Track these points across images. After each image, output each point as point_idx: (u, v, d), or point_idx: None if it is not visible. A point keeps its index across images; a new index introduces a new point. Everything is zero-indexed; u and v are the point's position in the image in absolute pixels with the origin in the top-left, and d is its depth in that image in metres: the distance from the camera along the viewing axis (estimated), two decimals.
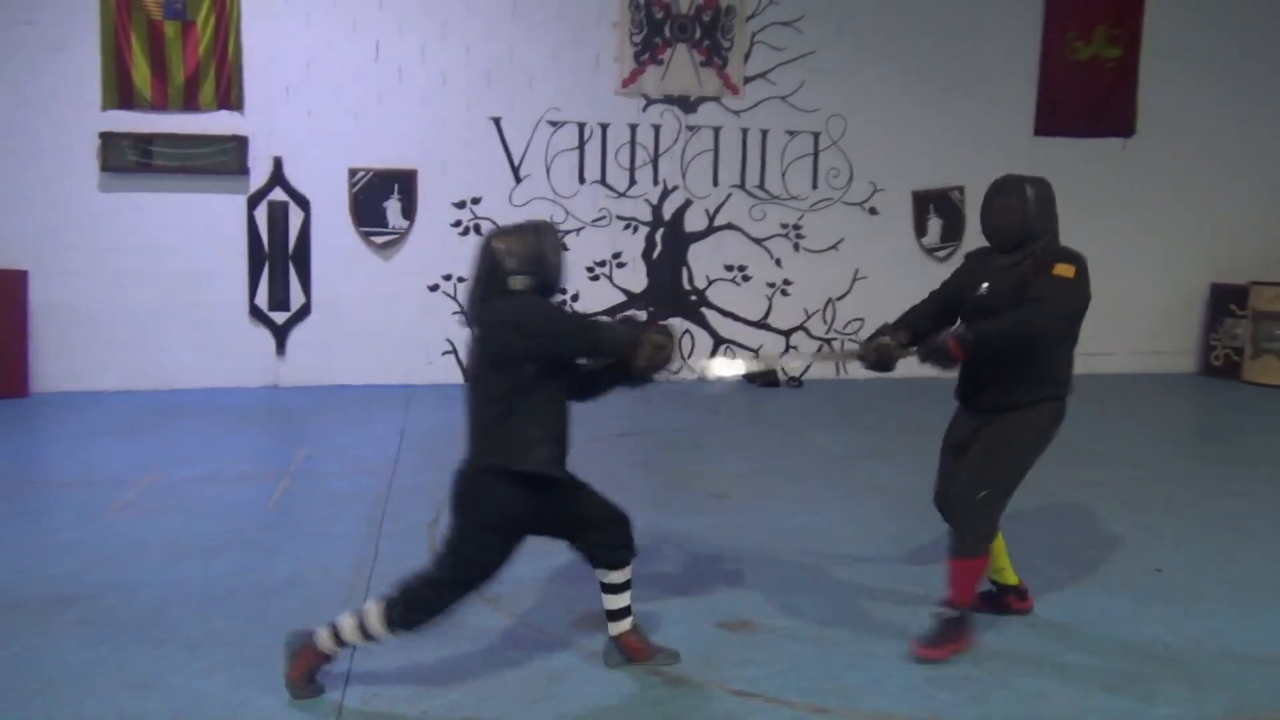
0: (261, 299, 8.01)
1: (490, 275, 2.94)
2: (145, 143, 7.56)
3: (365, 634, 2.91)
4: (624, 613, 3.16)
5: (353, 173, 8.00)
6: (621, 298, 8.61)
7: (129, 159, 7.56)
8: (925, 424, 7.13)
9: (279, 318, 8.07)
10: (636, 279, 8.65)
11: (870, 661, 3.27)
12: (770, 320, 8.91)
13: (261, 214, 7.89)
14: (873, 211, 8.90)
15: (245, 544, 4.37)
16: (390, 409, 7.30)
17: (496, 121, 8.19)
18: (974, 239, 9.10)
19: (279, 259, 7.97)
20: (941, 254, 9.12)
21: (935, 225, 9.05)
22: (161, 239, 7.73)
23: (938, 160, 8.94)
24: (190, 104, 7.59)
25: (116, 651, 3.27)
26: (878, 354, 3.42)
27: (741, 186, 8.70)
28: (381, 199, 8.07)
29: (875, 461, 6.03)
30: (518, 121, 8.23)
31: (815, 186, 8.84)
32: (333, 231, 8.05)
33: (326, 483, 5.47)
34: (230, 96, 7.66)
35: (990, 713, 2.97)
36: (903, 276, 8.92)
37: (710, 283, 8.76)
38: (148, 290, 7.76)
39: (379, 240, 8.15)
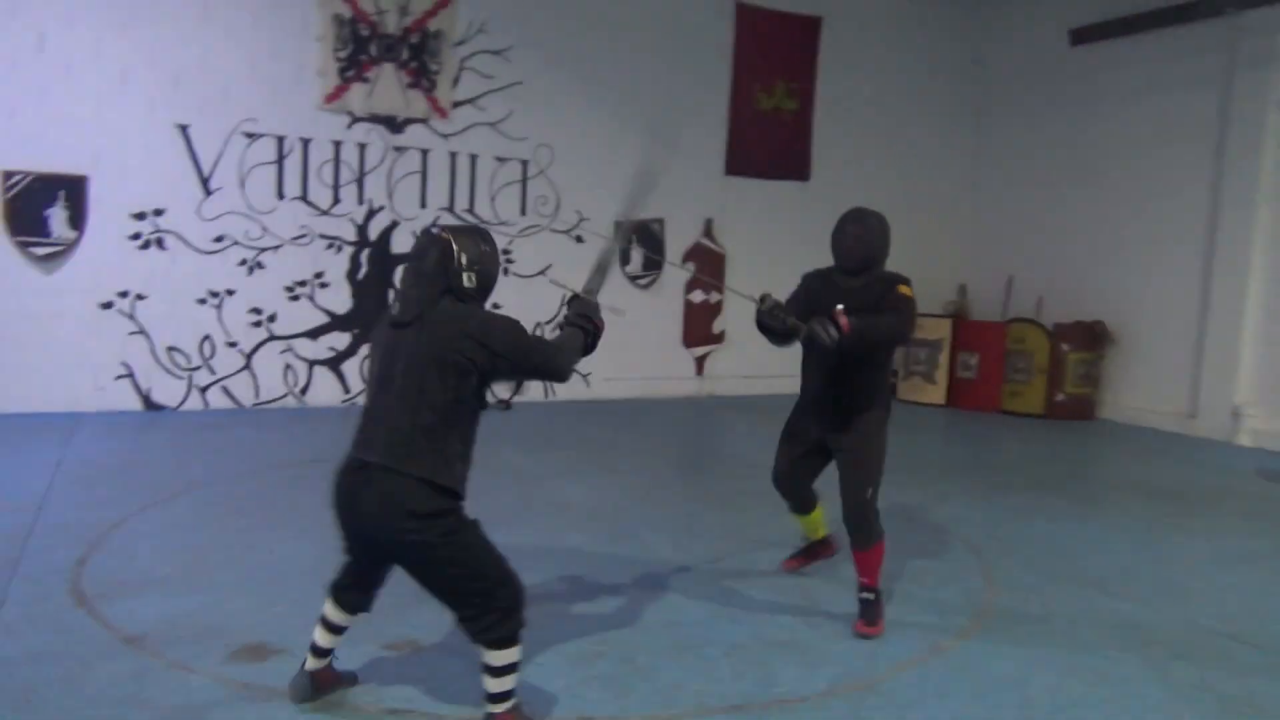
0: None
1: (443, 271, 2.85)
2: None
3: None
4: (502, 697, 2.88)
5: (7, 175, 7.16)
6: (324, 318, 8.32)
7: None
8: (616, 442, 7.57)
9: None
10: (340, 300, 8.40)
11: (527, 668, 3.39)
12: None
13: None
14: (579, 240, 9.24)
15: None
16: (47, 439, 6.57)
17: (184, 129, 7.67)
18: (671, 269, 9.79)
19: None
20: (644, 281, 9.64)
21: (637, 255, 9.55)
22: None
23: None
24: None
25: None
26: (772, 306, 3.70)
27: (450, 209, 8.72)
28: (43, 206, 7.29)
29: (565, 480, 6.23)
30: (209, 131, 7.75)
31: (524, 213, 9.04)
32: None
33: None
34: None
35: (629, 706, 3.19)
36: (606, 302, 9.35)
37: None
38: None
39: (39, 251, 7.34)
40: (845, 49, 10.16)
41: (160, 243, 7.71)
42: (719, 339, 10.10)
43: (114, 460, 6.16)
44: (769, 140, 9.91)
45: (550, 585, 4.24)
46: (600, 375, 9.33)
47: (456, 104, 8.61)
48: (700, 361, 10.07)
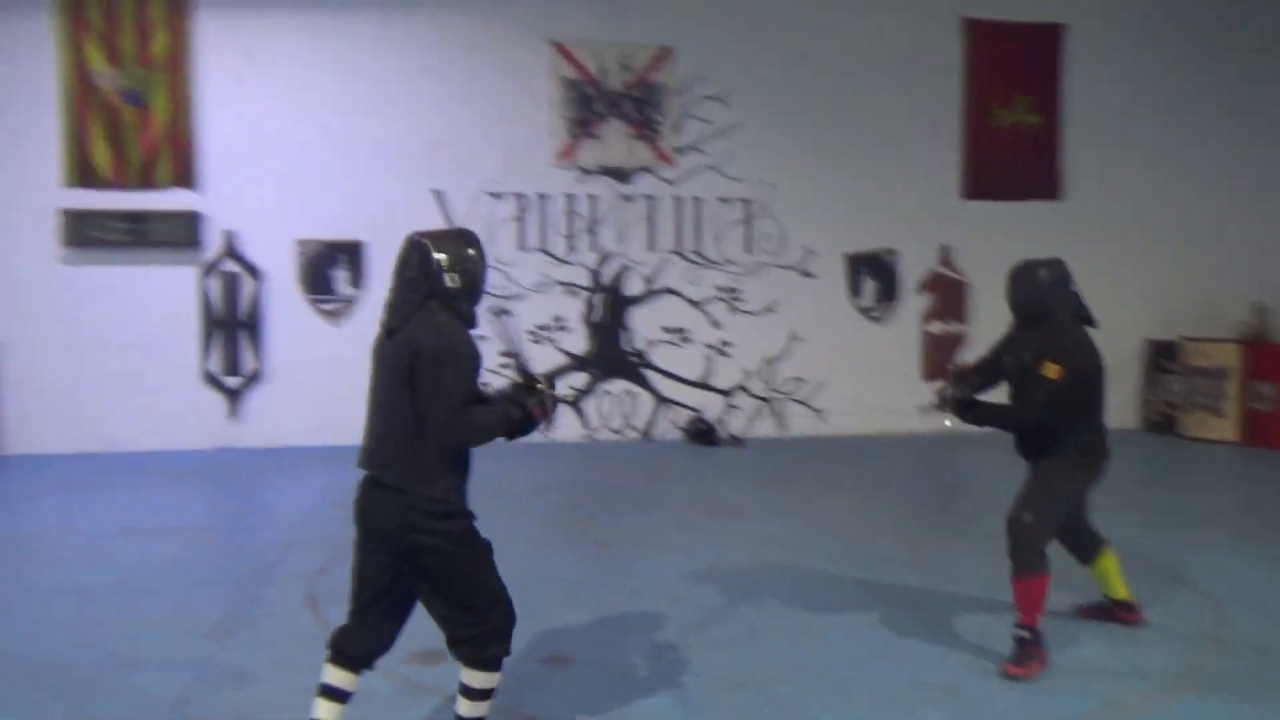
0: (214, 364, 8.41)
1: (424, 275, 2.85)
2: (105, 219, 8.06)
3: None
4: None
5: (301, 243, 8.45)
6: (565, 359, 8.94)
7: (90, 235, 8.05)
8: (838, 479, 7.42)
9: (232, 382, 8.46)
10: (578, 342, 8.98)
11: (649, 689, 3.48)
12: (710, 380, 9.19)
13: (214, 284, 8.35)
14: (807, 274, 9.22)
15: (124, 590, 4.65)
16: (329, 468, 7.60)
17: (439, 193, 8.65)
18: (907, 300, 9.47)
19: (231, 327, 8.40)
20: (876, 314, 9.40)
21: (869, 287, 9.35)
22: (117, 309, 8.18)
23: (868, 224, 9.29)
24: (147, 182, 8.11)
25: None
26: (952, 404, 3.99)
27: (678, 252, 9.07)
28: (329, 268, 8.51)
29: (771, 518, 6.22)
30: (459, 193, 8.68)
31: (749, 251, 9.18)
32: (283, 300, 8.48)
33: (237, 535, 5.76)
34: (184, 174, 8.18)
35: None
36: (838, 336, 9.24)
37: (650, 344, 9.08)
38: (104, 358, 8.18)
39: (327, 307, 8.56)
40: (1091, 56, 9.39)
41: None
42: None
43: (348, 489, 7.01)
44: (1010, 159, 9.35)
45: (704, 614, 4.29)
46: (835, 410, 9.22)
47: (679, 150, 8.98)
48: None
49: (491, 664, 2.81)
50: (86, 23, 7.94)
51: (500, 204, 8.76)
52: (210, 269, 8.36)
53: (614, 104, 8.81)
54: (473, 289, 2.91)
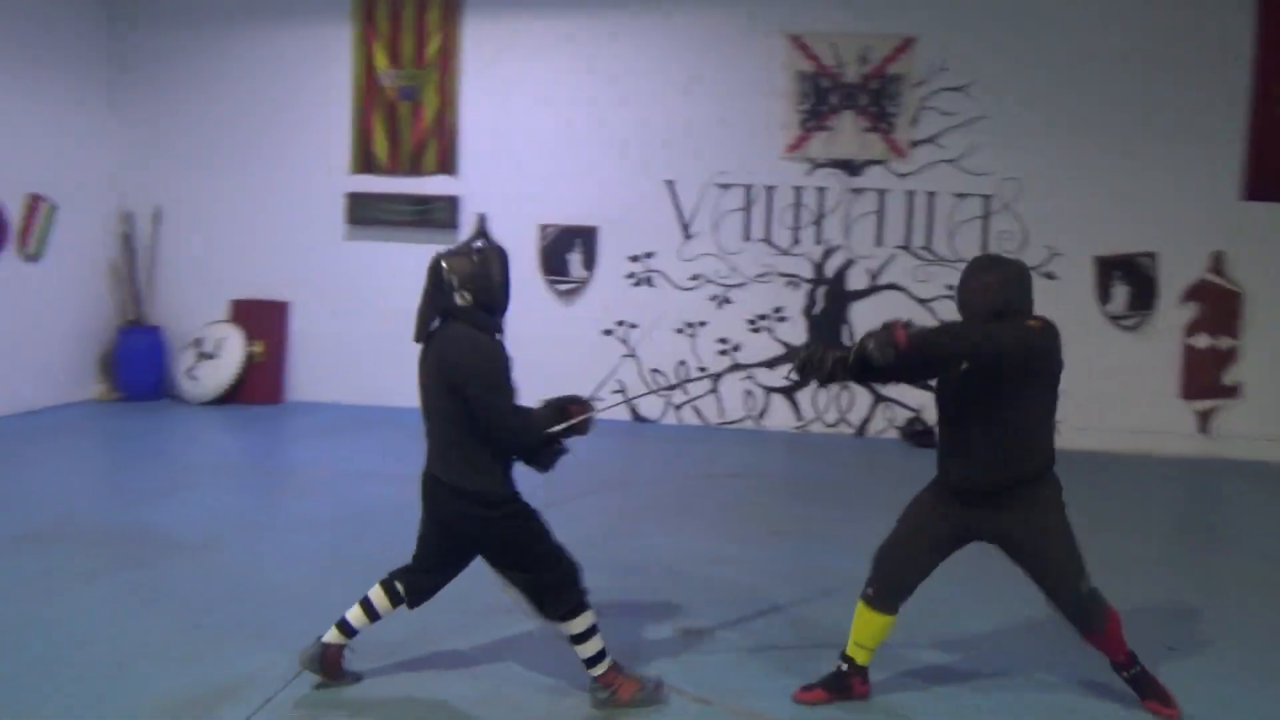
0: None
1: (438, 293, 3.29)
2: (380, 201, 9.15)
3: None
4: (595, 660, 3.28)
5: (543, 228, 9.12)
6: (782, 350, 9.00)
7: (368, 214, 9.19)
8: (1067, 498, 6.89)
9: None
10: (797, 333, 9.00)
11: (774, 670, 3.55)
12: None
13: None
14: (1050, 276, 8.63)
15: (346, 525, 5.37)
16: None
17: (670, 184, 8.99)
18: (1166, 309, 8.60)
19: None
20: (1128, 323, 8.63)
21: (1121, 292, 8.60)
22: (387, 280, 9.25)
23: (1125, 225, 8.53)
24: (416, 169, 9.11)
25: (234, 589, 4.32)
26: (805, 355, 3.34)
27: (906, 248, 8.83)
28: (565, 251, 9.12)
29: None
30: (689, 184, 8.97)
31: (986, 249, 8.74)
32: (523, 278, 9.17)
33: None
34: (447, 163, 9.09)
35: None
36: (1083, 343, 8.54)
37: None
38: (374, 321, 9.30)
39: (562, 287, 9.18)
40: None
41: (649, 281, 9.10)
42: (1230, 392, 8.58)
43: (582, 458, 7.48)
44: None
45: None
46: (1073, 423, 8.56)
47: (915, 143, 8.71)
48: (1204, 417, 8.65)
49: (573, 612, 3.24)
50: (376, 29, 9.03)
51: (728, 195, 8.95)
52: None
53: (849, 96, 8.70)
54: (489, 305, 3.27)
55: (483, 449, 3.20)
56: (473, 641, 3.83)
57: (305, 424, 8.44)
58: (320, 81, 9.18)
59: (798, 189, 8.89)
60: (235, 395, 9.16)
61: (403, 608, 3.44)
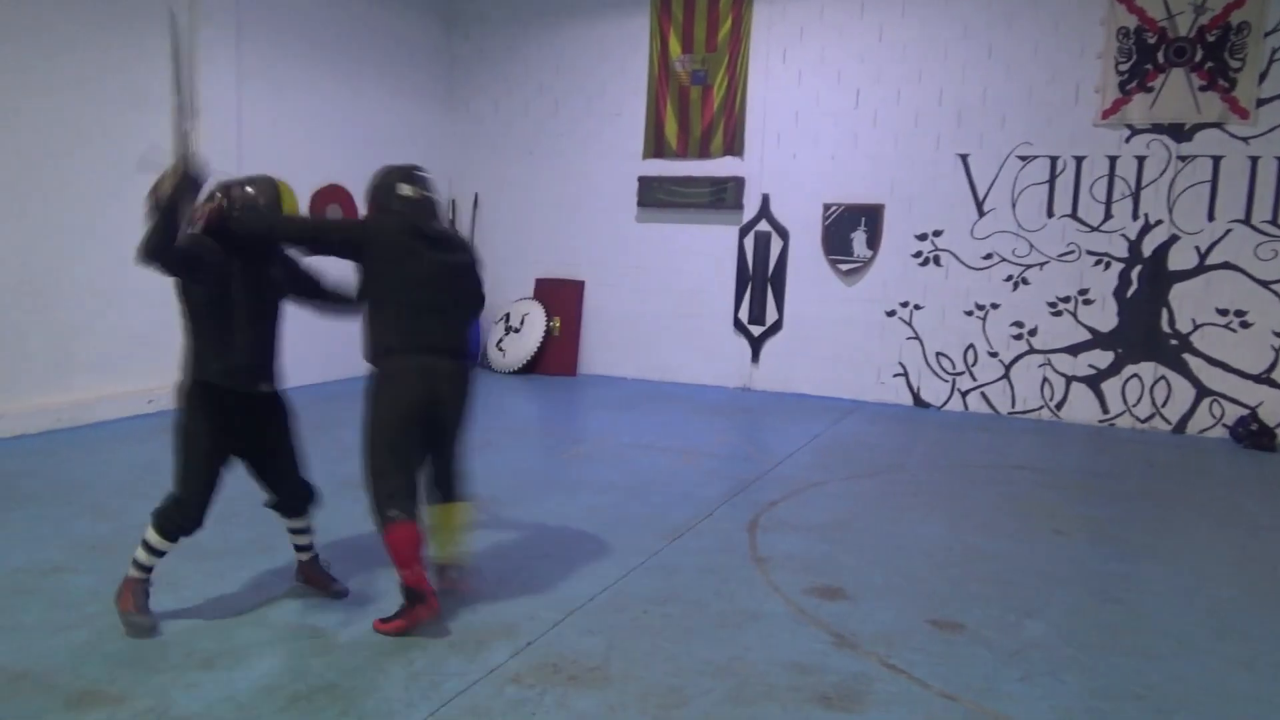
0: (744, 313, 9.46)
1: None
2: (669, 184, 9.51)
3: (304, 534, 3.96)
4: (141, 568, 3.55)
5: (826, 207, 9.02)
6: (1086, 335, 8.26)
7: (657, 197, 9.59)
8: None
9: (756, 330, 9.44)
10: (1105, 317, 8.21)
11: (1033, 674, 3.33)
12: (1275, 375, 7.73)
13: (749, 242, 9.35)
14: None
15: (625, 491, 5.70)
16: (823, 418, 8.16)
17: (964, 158, 8.51)
18: None
19: (760, 281, 9.35)
20: None
21: None
22: (674, 261, 9.64)
23: None
24: (704, 152, 9.36)
25: (523, 541, 4.80)
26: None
27: (1245, 221, 7.72)
28: (849, 230, 8.96)
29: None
30: (985, 157, 8.44)
31: None
32: (805, 259, 9.17)
33: (727, 463, 6.59)
34: (734, 144, 9.25)
35: None
36: None
37: (1196, 327, 7.93)
38: (661, 300, 9.73)
39: (844, 267, 9.04)
40: None
41: (936, 260, 8.71)
42: None
43: (859, 440, 7.38)
44: None
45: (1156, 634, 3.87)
46: None
47: (1262, 102, 7.57)
48: None
49: (159, 528, 3.56)
50: (670, 18, 9.36)
51: (1029, 167, 8.31)
52: (747, 228, 9.37)
53: (1179, 51, 7.74)
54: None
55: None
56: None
57: (595, 395, 9.03)
58: (619, 72, 9.70)
59: (1112, 158, 8.07)
60: (535, 366, 9.99)
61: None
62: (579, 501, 5.44)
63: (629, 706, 3.09)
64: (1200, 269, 7.90)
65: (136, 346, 7.47)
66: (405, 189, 3.73)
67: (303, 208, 8.80)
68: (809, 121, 9.03)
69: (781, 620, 3.82)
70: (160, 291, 7.61)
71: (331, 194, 9.05)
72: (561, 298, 10.07)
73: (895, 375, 8.96)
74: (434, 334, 3.66)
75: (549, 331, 9.97)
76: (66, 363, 6.96)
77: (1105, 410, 8.25)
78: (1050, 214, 8.31)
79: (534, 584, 4.14)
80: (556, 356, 10.01)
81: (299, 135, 8.65)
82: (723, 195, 9.35)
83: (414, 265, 3.63)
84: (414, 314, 3.63)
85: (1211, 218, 7.82)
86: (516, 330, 10.00)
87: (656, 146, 9.57)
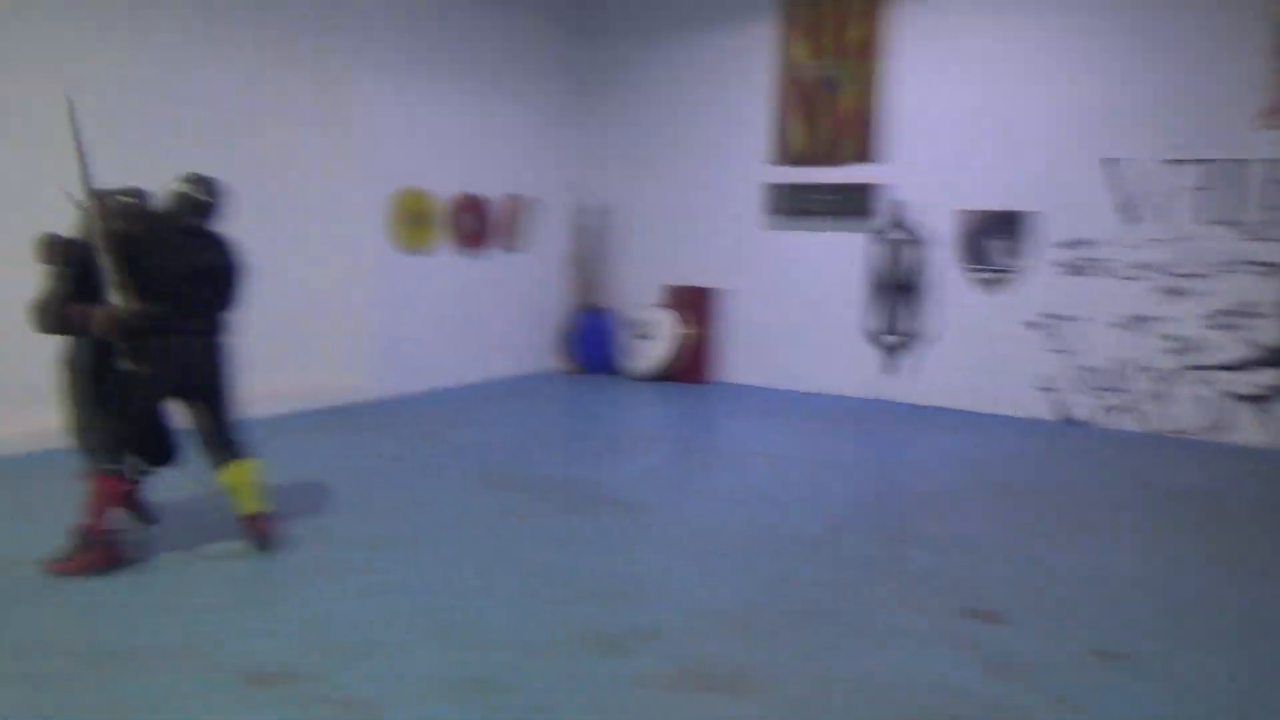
0: (877, 323, 9.29)
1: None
2: (798, 191, 9.44)
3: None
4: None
5: (965, 214, 8.76)
6: (1250, 351, 7.75)
7: (785, 204, 9.53)
8: None
9: (889, 340, 9.25)
10: (1272, 332, 7.68)
11: (1207, 715, 3.15)
12: None
13: (882, 250, 9.17)
14: None
15: (760, 499, 5.69)
16: (963, 432, 7.92)
17: (1112, 162, 8.13)
18: None
19: (893, 290, 9.16)
20: None
21: None
22: (804, 268, 9.55)
23: None
24: (833, 158, 9.24)
25: (655, 544, 4.86)
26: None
27: None
28: (989, 238, 8.67)
29: None
30: (1136, 161, 8.03)
31: None
32: (942, 267, 8.93)
33: (853, 474, 6.49)
34: (865, 150, 9.10)
35: None
36: None
37: None
38: (792, 308, 9.66)
39: (984, 276, 8.76)
40: None
41: (1084, 269, 8.34)
42: None
43: (1001, 456, 7.14)
44: None
45: None
46: None
47: None
48: None
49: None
50: (796, 22, 9.30)
51: (1184, 172, 7.87)
52: (879, 236, 9.20)
53: None
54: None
55: None
56: None
57: (727, 404, 9.03)
58: (745, 79, 9.69)
59: (1275, 163, 7.56)
60: (668, 373, 10.07)
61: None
62: (713, 508, 5.46)
63: (771, 719, 3.09)
64: None
65: (290, 348, 7.91)
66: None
67: (443, 216, 9.11)
68: (945, 124, 8.80)
69: (929, 640, 3.74)
70: (310, 299, 7.95)
71: (467, 204, 9.37)
72: (693, 305, 10.12)
73: (1040, 389, 8.61)
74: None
75: (681, 339, 10.03)
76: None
77: (1272, 433, 7.72)
78: (1208, 222, 7.84)
79: (672, 588, 4.19)
80: (689, 364, 10.05)
81: (432, 148, 8.99)
82: (853, 202, 9.21)
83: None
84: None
85: None
86: (649, 337, 10.10)
87: (784, 153, 9.51)
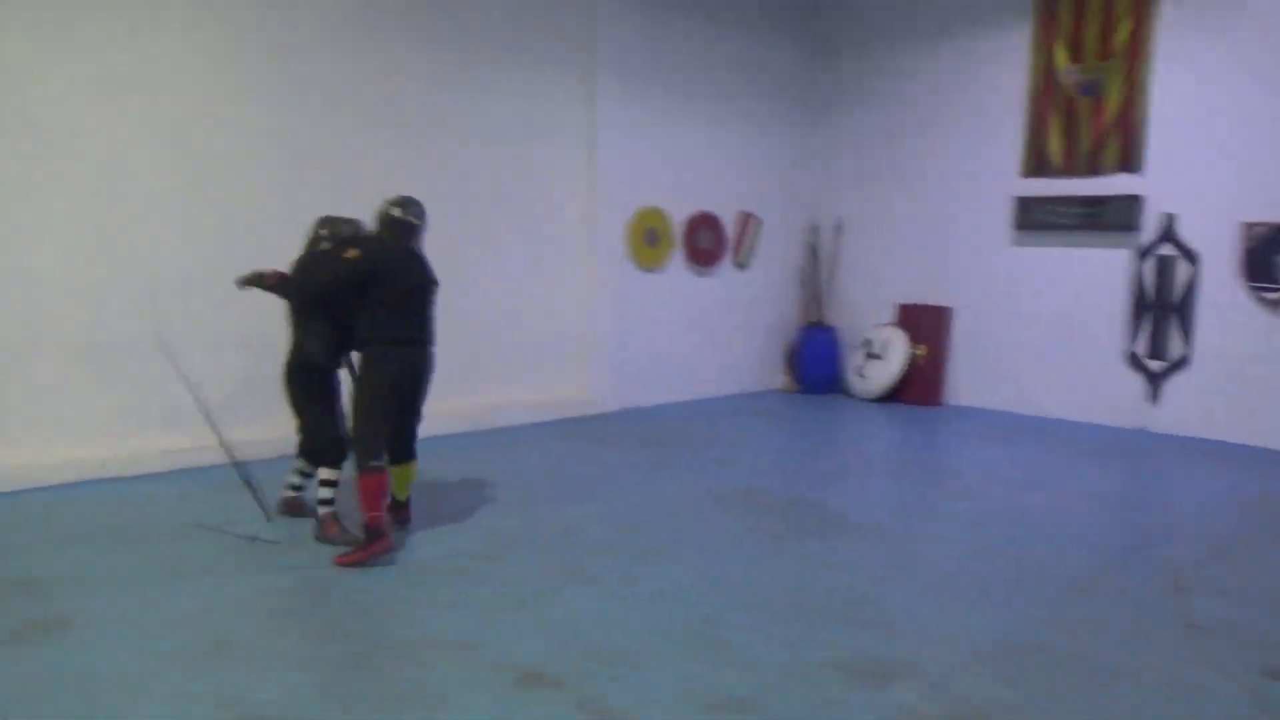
0: (1140, 346, 8.52)
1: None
2: (1051, 204, 8.83)
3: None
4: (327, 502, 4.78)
5: (1247, 227, 7.87)
6: None
7: (1036, 218, 8.94)
8: None
9: (1156, 366, 8.45)
10: None
11: None
12: None
13: (1148, 266, 8.40)
14: None
15: (1013, 531, 5.33)
16: (1247, 469, 7.10)
17: None
18: None
19: (1162, 310, 8.36)
20: None
21: None
22: (1054, 286, 8.92)
23: None
24: (1093, 168, 8.58)
25: (901, 571, 4.68)
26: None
27: None
28: (1276, 254, 7.75)
29: None
30: None
31: None
32: (1220, 286, 8.06)
33: (1117, 509, 5.95)
34: (1130, 159, 8.38)
35: None
36: None
37: None
38: (1038, 329, 9.04)
39: (1270, 296, 7.83)
40: None
41: None
42: None
43: (1275, 497, 6.34)
44: None
45: None
46: None
47: None
48: None
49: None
50: (1056, 25, 8.72)
51: None
52: (1145, 252, 8.44)
53: None
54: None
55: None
56: None
57: (964, 427, 8.59)
58: (995, 88, 9.20)
59: None
60: (897, 395, 9.71)
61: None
62: (958, 537, 5.18)
63: None
64: None
65: (529, 360, 8.29)
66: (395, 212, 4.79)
67: (677, 235, 9.26)
68: (1223, 130, 7.95)
69: (1233, 703, 3.34)
70: (549, 313, 8.32)
71: (700, 222, 9.48)
72: (927, 324, 9.72)
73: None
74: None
75: (913, 359, 9.66)
76: (474, 373, 7.87)
77: None
78: None
79: (923, 619, 3.99)
80: (920, 385, 9.66)
81: (669, 167, 9.16)
82: (1114, 215, 8.50)
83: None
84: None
85: None
86: (878, 357, 9.80)
87: (1037, 164, 8.94)
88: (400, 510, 4.99)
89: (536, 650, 3.60)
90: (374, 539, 4.45)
